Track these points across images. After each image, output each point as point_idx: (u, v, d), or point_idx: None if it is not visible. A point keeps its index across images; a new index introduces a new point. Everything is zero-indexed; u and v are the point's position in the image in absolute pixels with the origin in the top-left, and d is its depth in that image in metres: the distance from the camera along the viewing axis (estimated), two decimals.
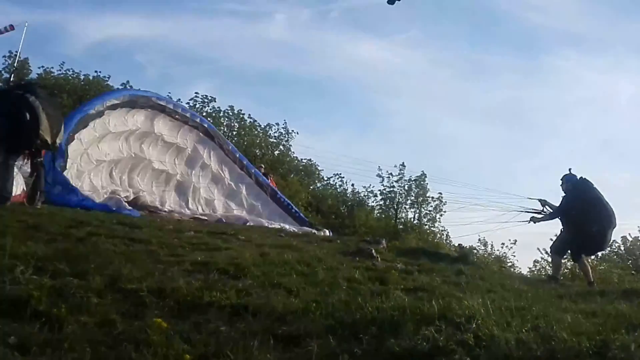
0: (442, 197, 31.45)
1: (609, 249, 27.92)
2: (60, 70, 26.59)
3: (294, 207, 16.21)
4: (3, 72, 23.59)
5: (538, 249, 24.67)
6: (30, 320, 3.13)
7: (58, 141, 7.94)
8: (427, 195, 31.50)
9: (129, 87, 27.28)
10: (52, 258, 4.25)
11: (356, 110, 65.90)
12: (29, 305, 3.24)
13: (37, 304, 3.26)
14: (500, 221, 11.00)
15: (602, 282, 11.35)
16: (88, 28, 62.17)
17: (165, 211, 12.37)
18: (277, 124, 28.38)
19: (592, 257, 11.70)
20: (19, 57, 24.49)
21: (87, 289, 3.68)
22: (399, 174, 31.19)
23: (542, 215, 9.82)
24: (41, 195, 7.94)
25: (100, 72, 26.94)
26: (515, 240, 27.47)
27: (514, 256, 28.13)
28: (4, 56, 25.90)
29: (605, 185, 52.97)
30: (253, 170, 15.36)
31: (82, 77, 26.39)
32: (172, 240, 6.48)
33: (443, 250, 18.74)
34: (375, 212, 31.03)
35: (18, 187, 7.97)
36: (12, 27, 23.72)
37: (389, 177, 31.16)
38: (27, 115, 7.35)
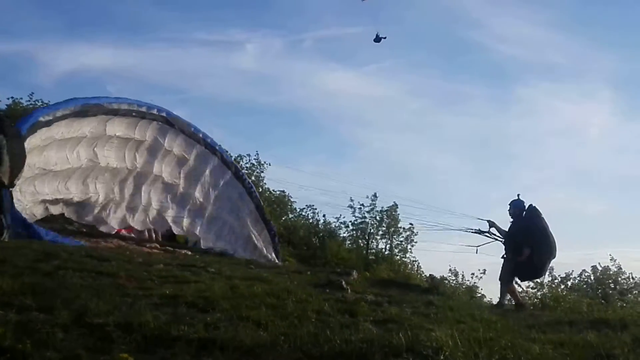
0: (413, 228, 31.71)
1: (577, 278, 28.44)
2: (29, 100, 26.23)
3: (254, 190, 15.88)
4: None
5: None
6: None
7: (16, 181, 7.91)
8: (399, 225, 31.69)
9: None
10: (18, 292, 4.20)
11: (328, 140, 66.37)
12: None
13: (1, 339, 3.23)
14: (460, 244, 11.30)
15: (571, 312, 11.52)
16: (58, 58, 61.86)
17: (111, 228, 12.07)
18: (249, 155, 28.43)
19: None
20: None
21: (53, 324, 3.64)
22: (370, 205, 31.35)
23: (495, 235, 10.14)
24: (7, 229, 7.83)
25: None
26: (485, 270, 27.69)
27: (483, 287, 28.33)
28: None
29: (576, 214, 54.23)
30: (217, 148, 14.82)
31: None
32: (141, 273, 6.41)
33: (414, 281, 18.85)
34: (347, 243, 31.04)
35: None
36: None
37: (360, 207, 31.30)
38: None
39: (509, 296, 9.70)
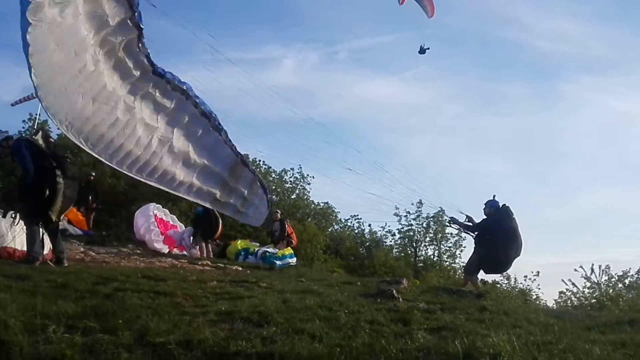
0: (461, 233, 31.28)
1: (635, 276, 27.35)
2: None
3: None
4: (34, 131, 24.08)
5: (563, 280, 24.19)
6: None
7: (61, 218, 8.43)
8: (446, 231, 31.35)
9: None
10: (81, 316, 4.37)
11: (369, 149, 66.14)
12: None
13: None
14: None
15: (631, 311, 11.14)
16: None
17: None
18: (292, 169, 28.64)
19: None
20: (39, 119, 25.14)
21: (117, 344, 3.79)
22: (416, 212, 31.14)
23: (462, 223, 10.95)
24: (64, 255, 8.19)
25: None
26: (538, 272, 27.00)
27: (539, 288, 27.61)
28: (24, 120, 26.57)
29: (629, 211, 52.34)
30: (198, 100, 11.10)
31: None
32: (196, 291, 6.58)
33: (465, 287, 18.56)
34: (394, 251, 30.87)
35: (46, 247, 8.21)
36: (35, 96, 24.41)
37: (406, 215, 31.16)
38: (47, 192, 7.81)
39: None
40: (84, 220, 15.90)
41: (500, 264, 10.27)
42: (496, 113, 70.85)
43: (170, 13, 8.22)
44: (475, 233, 10.61)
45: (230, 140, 9.82)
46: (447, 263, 30.85)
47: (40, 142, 8.10)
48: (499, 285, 28.59)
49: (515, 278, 28.23)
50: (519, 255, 10.17)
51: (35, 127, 24.70)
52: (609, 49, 72.21)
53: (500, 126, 67.93)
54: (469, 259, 10.74)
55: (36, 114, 24.89)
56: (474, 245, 10.59)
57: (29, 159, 7.84)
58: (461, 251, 31.12)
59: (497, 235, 9.95)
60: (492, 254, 10.02)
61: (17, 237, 8.16)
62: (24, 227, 8.05)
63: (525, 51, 71.72)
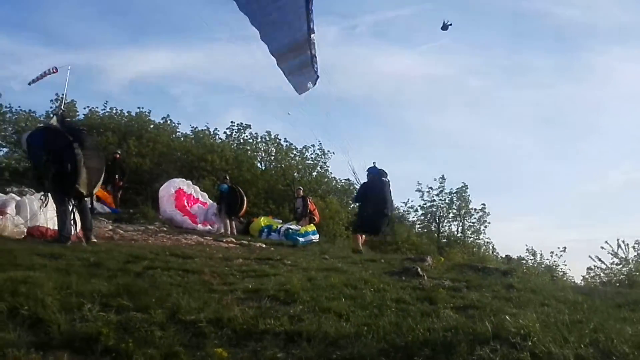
0: (485, 208, 31.13)
1: None
2: (104, 109, 27.46)
3: None
4: (51, 115, 24.56)
5: (590, 256, 23.94)
6: (102, 356, 3.35)
7: (95, 191, 8.42)
8: (470, 207, 31.20)
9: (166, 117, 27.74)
10: (115, 294, 4.48)
11: (390, 124, 65.69)
12: (99, 342, 3.46)
13: (106, 340, 3.48)
14: None
15: None
16: (126, 64, 64.04)
17: None
18: (313, 146, 28.63)
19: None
20: (65, 99, 25.48)
21: (150, 322, 3.88)
22: (439, 187, 31.03)
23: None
24: (91, 232, 8.34)
25: (142, 107, 27.69)
26: (565, 248, 26.74)
27: (565, 265, 27.40)
28: (51, 100, 26.98)
29: None
30: None
31: (125, 114, 27.17)
32: (223, 269, 6.68)
33: (490, 263, 18.51)
34: (417, 227, 30.84)
35: (78, 226, 8.39)
36: (55, 70, 24.76)
37: (428, 191, 31.05)
38: (69, 167, 7.91)
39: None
40: (112, 198, 16.19)
41: (373, 223, 11.37)
42: (522, 85, 69.56)
43: None
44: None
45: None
46: (471, 239, 30.78)
47: (55, 123, 8.25)
48: (524, 262, 28.49)
49: (542, 254, 28.08)
50: (387, 215, 11.43)
51: (62, 106, 25.14)
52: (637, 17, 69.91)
53: (526, 99, 66.66)
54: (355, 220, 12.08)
55: (62, 94, 25.24)
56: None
57: (44, 148, 8.02)
58: (485, 227, 31.03)
59: (370, 199, 11.17)
60: (366, 215, 11.28)
61: (48, 216, 8.35)
62: (55, 207, 8.23)
63: (549, 19, 69.89)
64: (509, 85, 69.13)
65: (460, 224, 31.22)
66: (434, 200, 31.05)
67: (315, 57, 9.11)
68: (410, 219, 31.09)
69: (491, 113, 67.65)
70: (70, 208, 8.11)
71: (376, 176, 11.52)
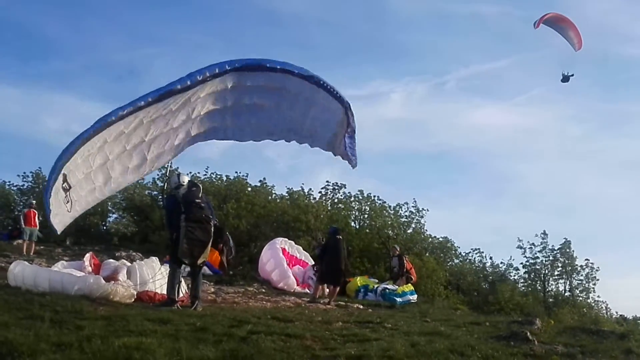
0: (591, 264, 29.19)
1: None
2: (205, 174, 28.88)
3: None
4: (157, 181, 26.02)
5: None
6: None
7: (199, 262, 8.70)
8: (576, 263, 29.34)
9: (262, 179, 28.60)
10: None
11: (484, 178, 64.11)
12: None
13: None
14: None
15: None
16: None
17: None
18: (407, 203, 28.29)
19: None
20: (170, 166, 27.03)
21: None
22: (541, 244, 29.54)
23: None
24: (199, 302, 8.62)
25: (240, 172, 28.85)
26: None
27: None
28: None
29: None
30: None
31: (224, 179, 28.38)
32: (323, 333, 6.68)
33: (604, 325, 17.17)
34: (520, 286, 29.31)
35: (182, 290, 8.78)
36: None
37: (531, 247, 29.60)
38: (174, 236, 8.48)
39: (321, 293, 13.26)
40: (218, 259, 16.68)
41: (333, 275, 12.85)
42: (622, 134, 65.99)
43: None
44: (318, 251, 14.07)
45: None
46: (581, 298, 28.75)
47: (181, 191, 8.76)
48: None
49: None
50: (342, 268, 12.93)
51: (167, 174, 26.56)
52: None
53: (627, 148, 63.04)
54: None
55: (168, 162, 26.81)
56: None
57: (167, 214, 8.95)
58: (594, 284, 28.97)
59: (331, 254, 12.85)
60: (327, 267, 12.84)
61: (157, 281, 8.78)
62: (164, 272, 8.67)
63: None
64: (609, 134, 65.89)
65: (567, 282, 29.32)
66: (537, 257, 29.52)
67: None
68: (512, 277, 29.61)
69: (593, 161, 64.40)
70: (181, 273, 8.54)
71: (332, 235, 13.36)
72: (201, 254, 8.61)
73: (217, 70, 8.77)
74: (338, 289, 13.69)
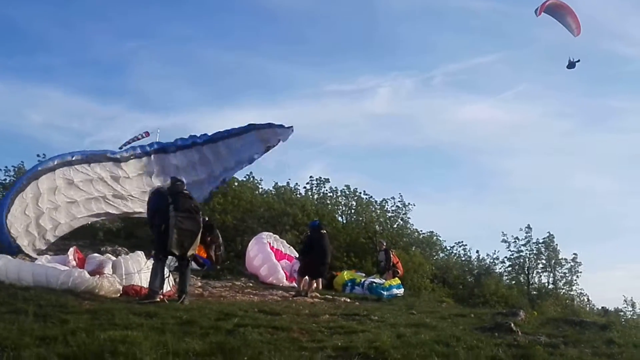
0: (576, 258, 29.55)
1: None
2: None
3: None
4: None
5: None
6: None
7: (189, 253, 8.71)
8: (560, 257, 29.69)
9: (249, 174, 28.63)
10: (208, 352, 4.60)
11: (470, 173, 64.52)
12: None
13: None
14: None
15: None
16: (211, 126, 67.39)
17: None
18: (393, 198, 28.36)
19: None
20: None
21: None
22: (525, 237, 29.82)
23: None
24: (186, 295, 8.58)
25: None
26: None
27: None
28: None
29: None
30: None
31: None
32: (310, 325, 6.70)
33: (585, 316, 17.38)
34: (504, 279, 29.57)
35: (169, 284, 8.74)
36: (147, 134, 26.37)
37: (515, 241, 29.88)
38: (162, 227, 8.35)
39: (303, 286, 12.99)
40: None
41: (317, 269, 13.05)
42: (608, 129, 66.70)
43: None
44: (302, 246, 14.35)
45: None
46: (564, 291, 29.10)
47: (166, 185, 8.81)
48: (622, 313, 26.55)
49: None
50: (326, 262, 13.21)
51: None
52: None
53: (613, 143, 63.75)
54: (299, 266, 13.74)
55: None
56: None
57: (151, 209, 8.84)
58: (577, 277, 29.35)
59: (317, 249, 12.91)
60: (309, 262, 12.92)
61: (143, 275, 8.73)
62: (150, 266, 8.61)
63: (635, 64, 67.19)
64: (596, 128, 66.55)
65: (551, 274, 29.65)
66: (521, 251, 29.81)
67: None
68: (497, 271, 29.85)
69: (576, 157, 65.08)
70: (165, 266, 8.47)
71: (316, 229, 13.48)
72: (191, 245, 8.58)
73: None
74: (320, 281, 14.04)
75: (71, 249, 10.03)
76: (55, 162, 11.62)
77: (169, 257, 8.59)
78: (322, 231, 13.37)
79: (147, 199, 9.44)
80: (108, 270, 9.00)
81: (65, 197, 11.66)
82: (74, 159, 11.93)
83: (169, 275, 8.72)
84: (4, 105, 61.13)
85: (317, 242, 13.04)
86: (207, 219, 9.41)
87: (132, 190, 13.02)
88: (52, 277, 8.17)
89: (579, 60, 16.48)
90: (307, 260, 13.06)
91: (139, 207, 12.68)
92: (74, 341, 4.58)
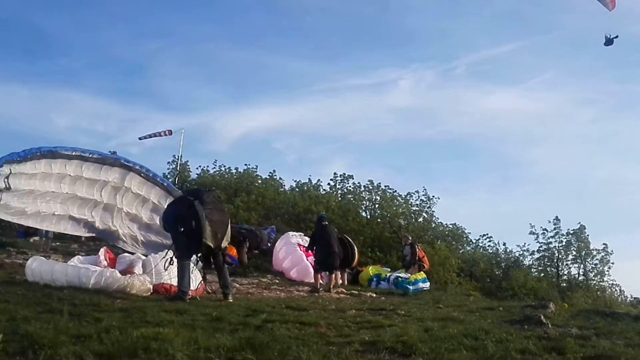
0: (607, 248, 29.06)
1: None
2: (214, 167, 29.01)
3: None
4: (168, 176, 26.27)
5: None
6: None
7: (223, 244, 8.75)
8: (590, 247, 29.23)
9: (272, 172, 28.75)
10: (238, 348, 4.65)
11: (496, 164, 63.73)
12: None
13: None
14: None
15: None
16: (230, 124, 67.69)
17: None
18: (417, 192, 28.28)
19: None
20: (180, 160, 27.27)
21: None
22: (554, 229, 29.45)
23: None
24: (230, 292, 8.68)
25: (249, 164, 29.00)
26: None
27: None
28: (168, 162, 28.95)
29: None
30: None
31: (233, 172, 28.53)
32: (337, 320, 6.74)
33: (618, 308, 17.12)
34: (534, 271, 29.23)
35: (196, 281, 8.85)
36: (170, 132, 26.72)
37: (543, 233, 29.53)
38: (193, 223, 8.32)
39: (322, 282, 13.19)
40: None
41: (325, 261, 13.04)
42: (636, 115, 65.26)
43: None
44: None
45: None
46: (594, 282, 28.65)
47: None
48: None
49: None
50: (333, 252, 13.05)
51: (177, 168, 27.08)
52: None
53: None
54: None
55: (178, 155, 27.09)
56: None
57: (170, 219, 8.76)
58: (609, 268, 28.86)
59: (320, 242, 13.13)
60: (319, 255, 13.09)
61: (172, 274, 8.85)
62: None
63: None
64: (624, 114, 65.17)
65: (582, 266, 29.21)
66: (550, 243, 29.43)
67: None
68: (525, 263, 29.52)
69: (604, 145, 63.78)
70: (193, 264, 8.56)
71: (318, 222, 13.82)
72: (224, 235, 8.66)
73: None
74: (338, 274, 14.13)
75: (102, 250, 10.22)
76: (74, 153, 11.82)
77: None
78: (323, 223, 13.57)
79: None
80: (138, 269, 9.16)
81: (68, 189, 11.79)
82: (90, 156, 12.18)
83: (198, 273, 8.81)
84: (30, 110, 62.47)
85: (319, 234, 13.29)
86: (253, 228, 9.48)
87: (126, 206, 13.01)
88: (85, 277, 8.35)
89: (617, 36, 15.91)
90: (314, 254, 13.38)
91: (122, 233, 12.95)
92: (108, 339, 4.68)
